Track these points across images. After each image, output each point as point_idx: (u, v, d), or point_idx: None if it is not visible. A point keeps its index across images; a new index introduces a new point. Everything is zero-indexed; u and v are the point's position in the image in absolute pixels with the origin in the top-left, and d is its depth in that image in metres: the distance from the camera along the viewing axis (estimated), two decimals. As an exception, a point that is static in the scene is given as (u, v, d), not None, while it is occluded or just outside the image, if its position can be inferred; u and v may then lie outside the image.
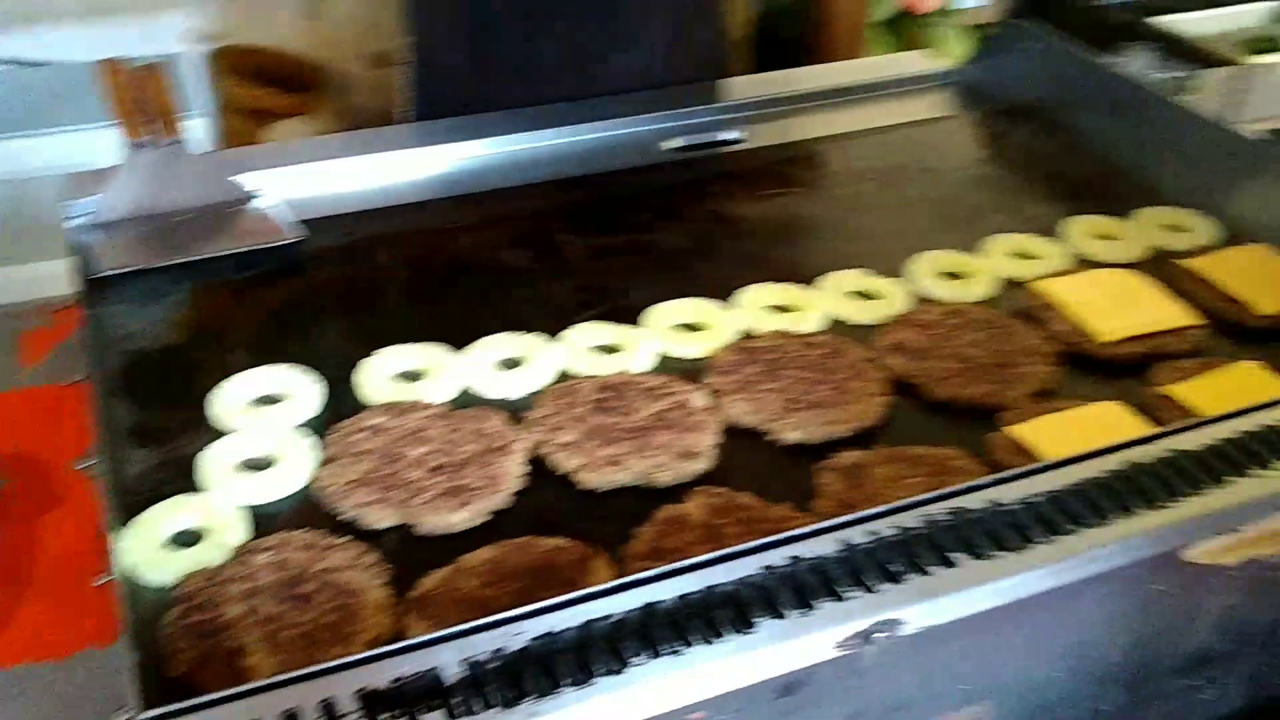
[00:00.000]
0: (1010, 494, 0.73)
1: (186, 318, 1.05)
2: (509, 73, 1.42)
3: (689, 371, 0.98)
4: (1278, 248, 1.14)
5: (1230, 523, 0.72)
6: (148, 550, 0.80)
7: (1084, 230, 1.19)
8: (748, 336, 1.03)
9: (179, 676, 0.71)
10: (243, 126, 2.74)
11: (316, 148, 1.32)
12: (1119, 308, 1.04)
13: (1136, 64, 1.69)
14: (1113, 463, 0.74)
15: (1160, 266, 1.13)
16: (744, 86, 1.44)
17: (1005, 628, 0.70)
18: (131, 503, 0.84)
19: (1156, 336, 1.01)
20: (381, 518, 0.83)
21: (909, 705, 0.70)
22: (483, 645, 0.62)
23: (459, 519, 0.83)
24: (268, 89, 2.74)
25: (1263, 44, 2.94)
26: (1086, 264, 1.15)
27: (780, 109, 1.43)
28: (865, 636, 0.65)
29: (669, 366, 1.00)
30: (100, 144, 1.36)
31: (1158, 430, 0.77)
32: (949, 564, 0.67)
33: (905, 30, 3.09)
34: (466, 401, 0.96)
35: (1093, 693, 0.77)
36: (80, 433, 0.93)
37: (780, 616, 0.64)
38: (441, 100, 1.42)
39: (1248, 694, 0.86)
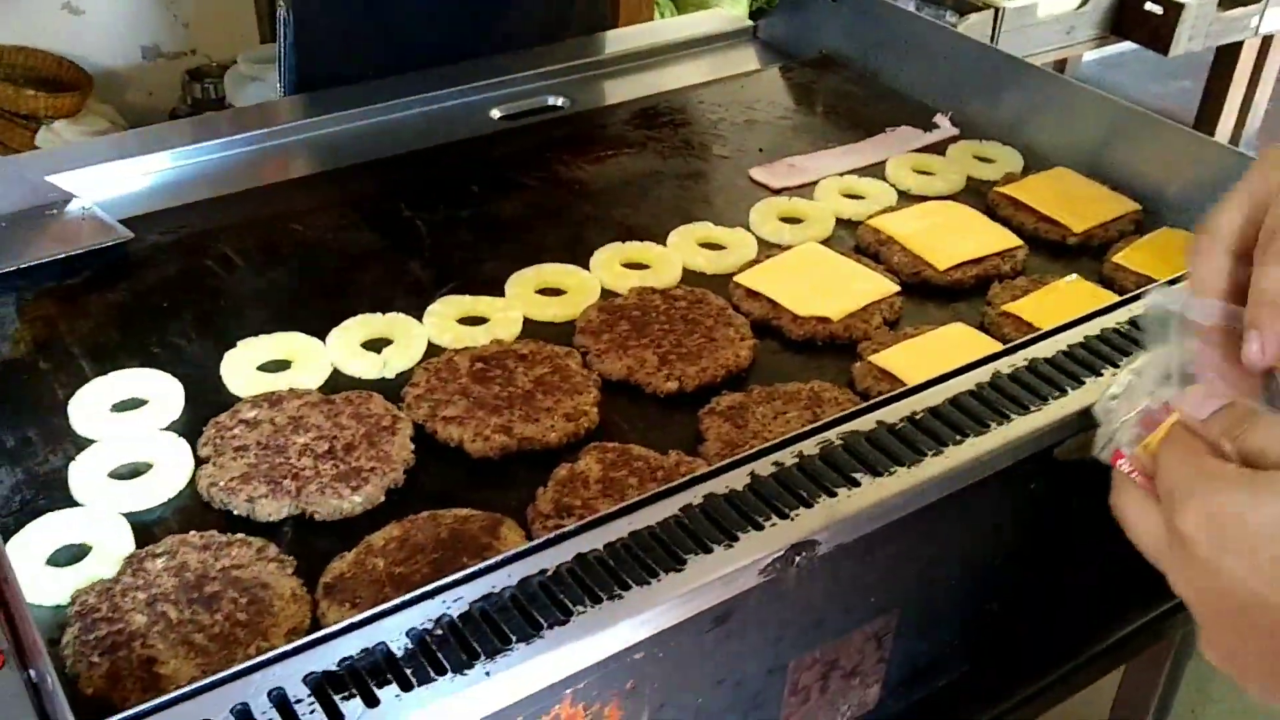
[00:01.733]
0: (895, 414, 0.77)
1: (21, 330, 1.00)
2: (401, 35, 1.40)
3: (557, 335, 1.00)
4: (1074, 170, 1.23)
5: (1093, 419, 0.78)
6: (31, 571, 0.76)
7: (904, 167, 1.26)
8: (609, 295, 1.05)
9: (94, 694, 0.68)
10: (9, 130, 2.58)
11: (130, 144, 1.25)
12: (950, 237, 1.10)
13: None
14: (983, 375, 0.80)
15: (977, 196, 1.21)
16: (560, 52, 1.45)
17: (906, 539, 0.74)
18: (1, 525, 0.80)
19: (986, 260, 1.08)
20: (275, 509, 0.81)
21: (826, 621, 0.74)
22: (424, 615, 0.62)
23: (355, 502, 0.82)
24: (31, 90, 2.59)
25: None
26: (910, 198, 1.21)
27: (598, 72, 1.45)
28: (786, 560, 0.68)
29: (536, 332, 1.01)
30: None
31: (1018, 341, 0.83)
32: (853, 483, 0.71)
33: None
34: (338, 386, 0.94)
35: (982, 592, 0.83)
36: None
37: (707, 551, 0.67)
38: (322, 67, 1.39)
39: (1102, 577, 0.94)
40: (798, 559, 0.68)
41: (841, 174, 1.25)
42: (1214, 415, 0.54)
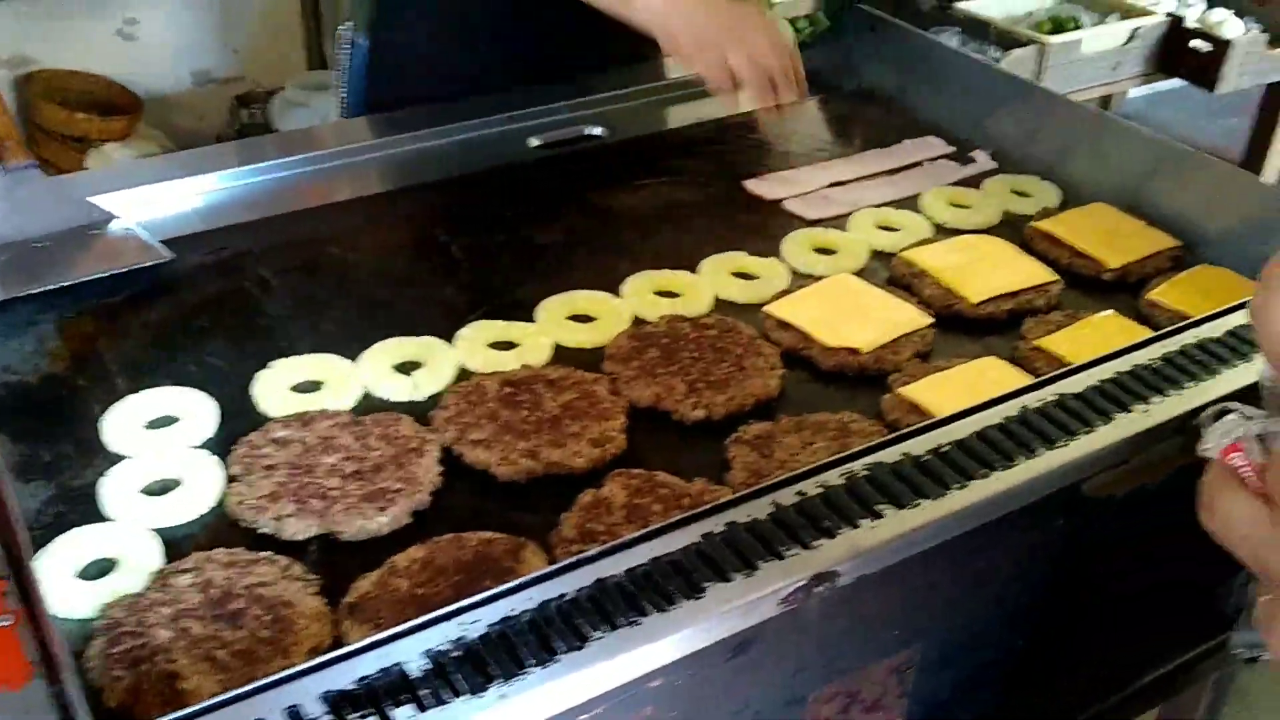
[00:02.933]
0: (921, 446, 0.76)
1: (60, 346, 1.01)
2: (473, 62, 1.42)
3: (587, 361, 1.00)
4: (1114, 206, 1.22)
5: (1121, 455, 0.77)
6: (60, 584, 0.77)
7: (939, 200, 1.25)
8: (640, 323, 1.05)
9: (117, 707, 0.69)
10: (61, 153, 2.63)
11: (173, 166, 1.27)
12: (984, 270, 1.10)
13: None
14: (1010, 409, 0.79)
15: (1012, 229, 1.20)
16: (599, 82, 1.46)
17: (929, 573, 0.74)
18: (33, 538, 0.81)
19: (1020, 294, 1.08)
20: (302, 528, 0.82)
21: (847, 653, 0.73)
22: (442, 636, 0.63)
23: (382, 522, 0.83)
24: (82, 113, 2.64)
25: (1057, 24, 3.12)
26: (945, 231, 1.21)
27: (636, 103, 1.45)
28: (806, 591, 0.67)
29: (566, 358, 1.01)
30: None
31: (1047, 376, 0.82)
32: (876, 515, 0.71)
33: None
34: (369, 408, 0.95)
35: (1008, 629, 0.82)
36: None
37: (726, 579, 0.66)
38: (393, 92, 1.40)
39: (1134, 615, 0.92)
40: (818, 589, 0.68)
41: (876, 206, 1.25)
42: None
